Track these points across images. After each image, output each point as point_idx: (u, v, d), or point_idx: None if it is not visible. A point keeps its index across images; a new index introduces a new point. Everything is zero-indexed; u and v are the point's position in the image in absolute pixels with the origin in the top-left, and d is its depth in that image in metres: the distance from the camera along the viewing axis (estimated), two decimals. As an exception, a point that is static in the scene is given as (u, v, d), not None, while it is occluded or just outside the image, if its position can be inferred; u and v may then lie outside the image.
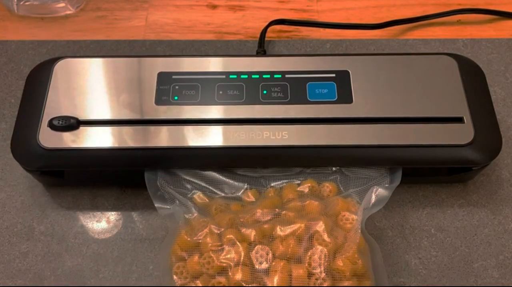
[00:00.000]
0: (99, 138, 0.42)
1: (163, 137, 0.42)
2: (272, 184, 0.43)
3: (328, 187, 0.42)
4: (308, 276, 0.37)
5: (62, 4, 0.58)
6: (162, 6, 0.59)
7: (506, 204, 0.46)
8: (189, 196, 0.43)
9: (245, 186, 0.43)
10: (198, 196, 0.42)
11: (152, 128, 0.43)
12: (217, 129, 0.43)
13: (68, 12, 0.58)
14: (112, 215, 0.45)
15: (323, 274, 0.37)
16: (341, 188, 0.43)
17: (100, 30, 0.57)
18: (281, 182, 0.43)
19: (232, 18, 0.59)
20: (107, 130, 0.43)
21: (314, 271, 0.37)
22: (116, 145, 0.42)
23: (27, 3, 0.57)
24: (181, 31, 0.57)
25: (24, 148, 0.43)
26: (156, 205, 0.42)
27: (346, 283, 0.37)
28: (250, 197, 0.42)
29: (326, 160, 0.43)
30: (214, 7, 0.60)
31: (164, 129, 0.43)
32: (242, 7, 0.60)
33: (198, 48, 0.55)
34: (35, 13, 0.58)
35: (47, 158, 0.42)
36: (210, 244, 0.39)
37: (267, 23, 0.55)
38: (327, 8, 0.59)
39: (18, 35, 0.57)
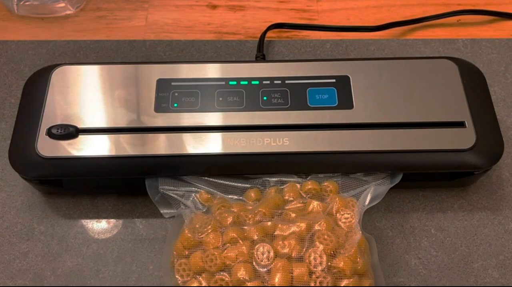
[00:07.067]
0: (99, 147, 0.42)
1: (163, 145, 0.42)
2: (273, 184, 0.43)
3: (328, 186, 0.42)
4: (309, 274, 0.37)
5: (62, 4, 0.58)
6: (162, 6, 0.59)
7: (506, 204, 0.46)
8: (192, 195, 0.43)
9: (247, 186, 0.43)
10: (201, 194, 0.43)
11: (152, 135, 0.43)
12: (217, 136, 0.43)
13: (68, 12, 0.58)
14: (112, 215, 0.45)
15: (324, 273, 0.37)
16: (341, 188, 0.43)
17: (100, 30, 0.57)
18: (280, 179, 0.43)
19: (232, 18, 0.59)
20: (106, 138, 0.43)
21: (315, 269, 0.37)
22: (115, 153, 0.42)
23: (27, 3, 0.57)
24: (181, 31, 0.57)
25: (22, 157, 0.42)
26: (161, 211, 0.43)
27: (346, 282, 0.37)
28: (252, 196, 0.42)
29: (327, 166, 0.43)
30: (214, 7, 0.60)
31: (164, 137, 0.43)
32: (242, 7, 0.60)
33: (198, 48, 0.55)
34: (35, 13, 0.58)
35: (46, 167, 0.42)
36: (212, 242, 0.39)
37: (267, 24, 0.56)
38: (327, 8, 0.59)
39: (18, 35, 0.57)
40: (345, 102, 0.44)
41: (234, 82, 0.46)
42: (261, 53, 0.53)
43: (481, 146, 0.42)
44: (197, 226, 0.40)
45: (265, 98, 0.45)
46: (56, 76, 0.46)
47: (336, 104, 0.44)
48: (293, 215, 0.40)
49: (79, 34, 0.57)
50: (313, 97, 0.45)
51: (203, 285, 0.38)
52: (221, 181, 0.43)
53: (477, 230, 0.44)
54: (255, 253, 0.38)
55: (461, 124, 0.43)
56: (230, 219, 0.40)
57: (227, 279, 0.38)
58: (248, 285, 0.37)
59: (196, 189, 0.43)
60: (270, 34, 0.56)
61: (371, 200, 0.42)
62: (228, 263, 0.38)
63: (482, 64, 0.53)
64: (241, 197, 0.43)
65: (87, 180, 0.45)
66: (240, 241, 0.38)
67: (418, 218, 0.45)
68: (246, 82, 0.46)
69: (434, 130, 0.43)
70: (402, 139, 0.42)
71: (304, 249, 0.38)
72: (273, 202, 0.41)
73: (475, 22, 0.58)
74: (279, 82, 0.46)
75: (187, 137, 0.43)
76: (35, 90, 0.45)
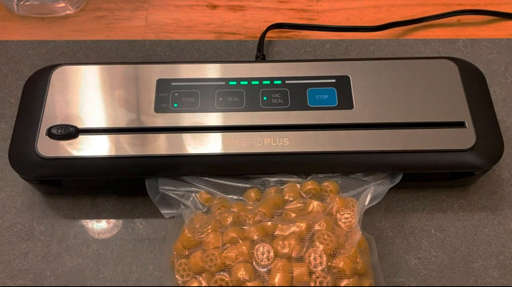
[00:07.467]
0: (99, 147, 0.42)
1: (163, 145, 0.42)
2: (273, 184, 0.43)
3: (328, 186, 0.42)
4: (309, 274, 0.37)
5: (62, 4, 0.58)
6: (162, 6, 0.59)
7: (506, 204, 0.46)
8: (192, 195, 0.43)
9: (247, 186, 0.43)
10: (201, 195, 0.43)
11: (152, 136, 0.43)
12: (217, 136, 0.43)
13: (68, 12, 0.58)
14: (112, 215, 0.45)
15: (324, 273, 0.37)
16: (341, 187, 0.43)
17: (100, 30, 0.57)
18: (280, 179, 0.43)
19: (232, 18, 0.59)
20: (106, 138, 0.43)
21: (315, 269, 0.37)
22: (115, 153, 0.42)
23: (27, 3, 0.57)
24: (181, 31, 0.57)
25: (22, 157, 0.42)
26: (162, 211, 0.42)
27: (346, 282, 0.37)
28: (252, 196, 0.42)
29: (327, 166, 0.43)
30: (214, 7, 0.60)
31: (164, 137, 0.43)
32: (242, 7, 0.60)
33: (198, 48, 0.55)
34: (35, 13, 0.58)
35: (46, 167, 0.42)
36: (212, 242, 0.39)
37: (267, 24, 0.56)
38: (327, 8, 0.59)
39: (18, 35, 0.57)
40: (345, 102, 0.44)
41: (234, 82, 0.46)
42: (261, 53, 0.53)
43: (481, 146, 0.42)
44: (197, 226, 0.40)
45: (265, 98, 0.45)
46: (56, 76, 0.46)
47: (336, 104, 0.44)
48: (293, 215, 0.40)
49: (79, 34, 0.57)
50: (313, 97, 0.45)
51: (203, 285, 0.38)
52: (221, 181, 0.43)
53: (477, 230, 0.44)
54: (255, 253, 0.38)
55: (461, 124, 0.43)
56: (230, 219, 0.40)
57: (227, 279, 0.38)
58: (248, 285, 0.37)
59: (196, 189, 0.43)
60: (270, 34, 0.56)
61: (371, 200, 0.42)
62: (228, 263, 0.38)
63: (482, 64, 0.53)
64: (241, 197, 0.43)
65: (87, 180, 0.45)
66: (240, 241, 0.38)
67: (418, 218, 0.45)
68: (246, 82, 0.46)
69: (434, 130, 0.43)
70: (402, 139, 0.42)
71: (304, 249, 0.38)
72: (273, 202, 0.41)
73: (475, 22, 0.58)
74: (279, 82, 0.46)
75: (187, 137, 0.43)
76: (35, 90, 0.45)
